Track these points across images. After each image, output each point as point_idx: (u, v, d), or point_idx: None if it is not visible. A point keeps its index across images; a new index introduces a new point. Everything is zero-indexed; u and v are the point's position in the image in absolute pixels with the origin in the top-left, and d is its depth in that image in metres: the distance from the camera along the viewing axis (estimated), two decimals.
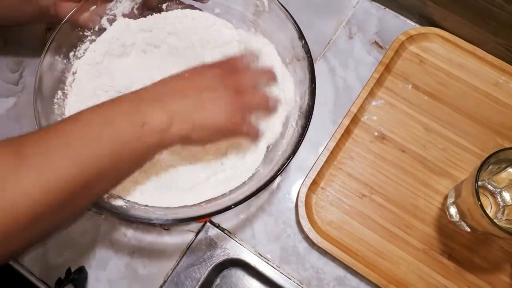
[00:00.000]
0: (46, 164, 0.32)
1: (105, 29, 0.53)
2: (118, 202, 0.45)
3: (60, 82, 0.50)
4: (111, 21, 0.53)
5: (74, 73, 0.52)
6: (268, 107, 0.45)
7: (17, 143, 0.33)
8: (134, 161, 0.39)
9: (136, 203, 0.47)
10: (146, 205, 0.47)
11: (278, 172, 0.43)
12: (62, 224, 0.49)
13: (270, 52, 0.53)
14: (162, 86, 0.40)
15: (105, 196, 0.45)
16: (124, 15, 0.54)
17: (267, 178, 0.43)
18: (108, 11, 0.52)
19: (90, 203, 0.40)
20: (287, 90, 0.51)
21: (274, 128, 0.50)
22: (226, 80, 0.42)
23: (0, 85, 0.60)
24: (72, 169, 0.33)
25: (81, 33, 0.51)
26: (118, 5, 0.53)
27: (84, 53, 0.52)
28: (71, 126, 0.36)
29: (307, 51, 0.47)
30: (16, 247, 0.33)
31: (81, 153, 0.34)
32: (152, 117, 0.37)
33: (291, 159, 0.44)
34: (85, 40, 0.52)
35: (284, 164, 0.43)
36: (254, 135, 0.45)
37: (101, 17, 0.52)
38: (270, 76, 0.46)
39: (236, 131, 0.43)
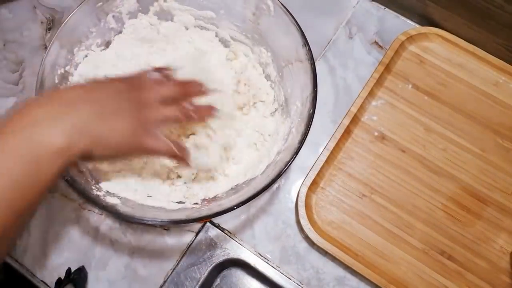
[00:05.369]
0: None
1: (109, 26, 0.53)
2: (115, 201, 0.45)
3: (63, 78, 0.50)
4: (116, 19, 0.53)
5: (76, 69, 0.51)
6: (180, 118, 0.42)
7: None
8: (38, 194, 0.34)
9: (136, 202, 0.47)
10: (145, 205, 0.47)
11: (278, 176, 0.43)
12: None
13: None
14: (57, 98, 0.36)
15: (101, 194, 0.45)
16: (130, 13, 0.54)
17: (267, 181, 0.43)
18: (114, 9, 0.52)
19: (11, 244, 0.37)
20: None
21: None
22: (131, 93, 0.39)
23: (0, 85, 0.60)
24: None
25: (86, 29, 0.51)
26: (124, 2, 0.53)
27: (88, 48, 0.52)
28: None
29: (310, 58, 0.47)
30: None
31: None
32: (47, 146, 0.33)
33: (291, 163, 0.43)
34: (90, 37, 0.52)
35: (284, 168, 0.43)
36: (167, 152, 0.41)
37: (107, 15, 0.52)
38: (192, 89, 0.43)
39: (143, 147, 0.40)
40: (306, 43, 0.48)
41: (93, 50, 0.53)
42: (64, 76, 0.50)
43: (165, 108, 0.41)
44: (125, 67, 0.54)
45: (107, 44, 0.55)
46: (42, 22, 0.64)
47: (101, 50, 0.54)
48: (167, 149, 0.41)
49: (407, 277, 0.52)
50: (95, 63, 0.53)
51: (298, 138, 0.45)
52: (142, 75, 0.42)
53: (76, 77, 0.51)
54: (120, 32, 0.55)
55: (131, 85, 0.40)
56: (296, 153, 0.44)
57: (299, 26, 0.48)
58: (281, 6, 0.49)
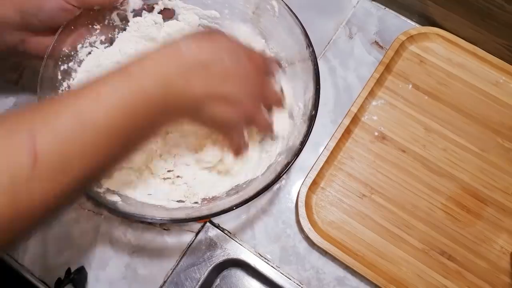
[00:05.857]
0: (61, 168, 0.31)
1: (113, 24, 0.53)
2: (115, 198, 0.45)
3: (66, 74, 0.50)
4: (121, 17, 0.53)
5: (79, 66, 0.51)
6: (279, 105, 0.48)
7: (29, 130, 0.30)
8: (143, 130, 0.38)
9: (136, 200, 0.47)
10: (146, 203, 0.47)
11: (278, 177, 0.43)
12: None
13: None
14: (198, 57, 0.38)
15: (101, 191, 0.45)
16: (134, 11, 0.54)
17: (267, 182, 0.43)
18: (119, 6, 0.52)
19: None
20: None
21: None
22: (255, 82, 0.43)
23: (0, 85, 0.60)
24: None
25: (90, 26, 0.51)
26: (129, 0, 0.52)
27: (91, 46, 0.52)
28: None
29: (314, 59, 0.47)
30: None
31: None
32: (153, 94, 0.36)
33: (291, 165, 0.43)
34: (93, 33, 0.52)
35: (284, 170, 0.43)
36: (266, 128, 0.47)
37: (112, 13, 0.52)
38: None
39: (251, 115, 0.43)
40: (309, 44, 0.48)
41: (96, 47, 0.53)
42: (68, 72, 0.50)
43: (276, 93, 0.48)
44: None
45: (111, 41, 0.55)
46: None
47: (105, 47, 0.54)
48: (268, 128, 0.47)
49: (407, 277, 0.52)
50: (98, 60, 0.53)
51: (299, 139, 0.45)
52: (263, 69, 0.45)
53: (79, 74, 0.51)
54: (124, 29, 0.55)
55: (258, 76, 0.43)
56: (297, 154, 0.44)
57: (303, 27, 0.48)
58: (285, 6, 0.49)
